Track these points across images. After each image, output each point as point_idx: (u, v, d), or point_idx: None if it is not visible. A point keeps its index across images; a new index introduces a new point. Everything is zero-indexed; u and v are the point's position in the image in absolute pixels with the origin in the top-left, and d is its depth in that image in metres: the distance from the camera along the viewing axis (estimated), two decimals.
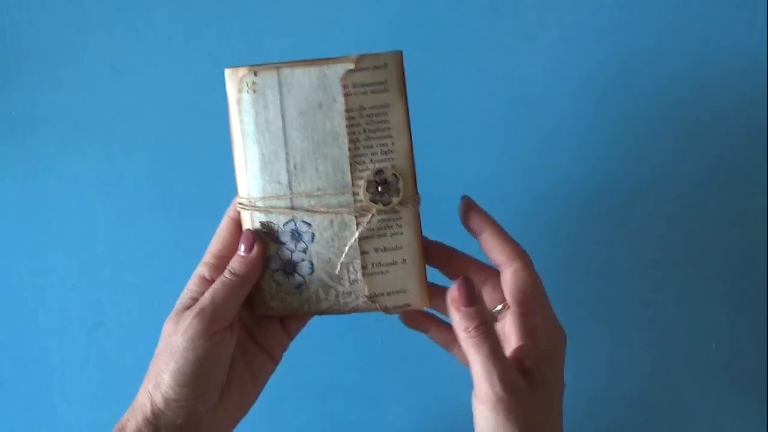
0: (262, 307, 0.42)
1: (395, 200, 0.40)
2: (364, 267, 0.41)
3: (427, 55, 0.58)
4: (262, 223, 0.41)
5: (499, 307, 0.42)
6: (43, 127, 0.58)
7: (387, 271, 0.41)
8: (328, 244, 0.41)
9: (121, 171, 0.59)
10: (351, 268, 0.41)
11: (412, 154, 0.40)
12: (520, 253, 0.40)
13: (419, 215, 0.41)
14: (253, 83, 0.40)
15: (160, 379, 0.38)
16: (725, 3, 0.58)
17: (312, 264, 0.41)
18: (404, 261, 0.41)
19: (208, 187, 0.59)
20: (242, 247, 0.40)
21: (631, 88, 0.59)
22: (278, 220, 0.41)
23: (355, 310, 0.42)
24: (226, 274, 0.40)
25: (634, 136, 0.59)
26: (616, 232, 0.60)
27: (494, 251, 0.41)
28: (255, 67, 0.40)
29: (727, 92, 0.59)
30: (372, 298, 0.41)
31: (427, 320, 0.45)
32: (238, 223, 0.42)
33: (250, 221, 0.41)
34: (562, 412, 0.39)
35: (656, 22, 0.58)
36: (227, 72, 0.40)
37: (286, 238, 0.41)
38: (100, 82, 0.58)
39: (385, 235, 0.41)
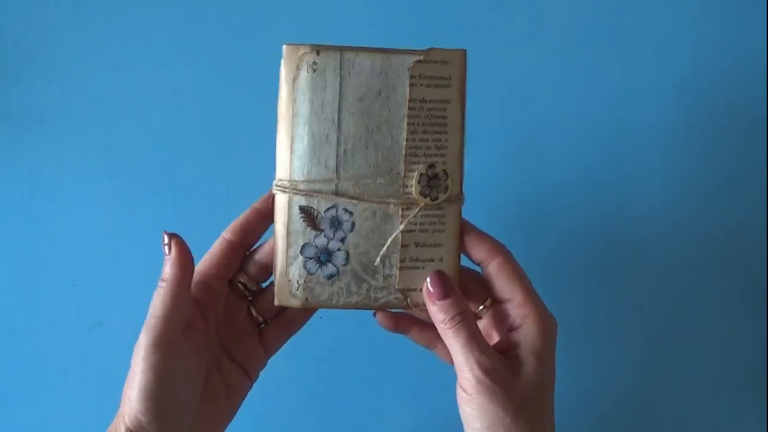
0: (283, 297, 0.40)
1: (442, 197, 0.40)
2: (401, 260, 0.40)
3: None
4: (301, 207, 0.40)
5: (481, 306, 0.42)
6: (42, 126, 0.58)
7: (423, 267, 0.40)
8: (368, 235, 0.40)
9: (121, 170, 0.59)
10: (387, 263, 0.40)
11: (463, 153, 0.40)
12: (500, 247, 0.40)
13: (461, 215, 0.41)
14: (314, 63, 0.39)
15: (127, 401, 0.37)
16: (726, 3, 0.58)
17: (348, 254, 0.40)
18: (441, 259, 0.40)
19: (209, 186, 0.59)
20: (165, 250, 0.39)
21: (631, 88, 0.59)
22: (319, 206, 0.40)
23: (385, 306, 0.41)
24: (159, 283, 0.38)
25: (635, 137, 0.59)
26: (616, 232, 0.60)
27: (474, 249, 0.41)
28: (317, 47, 0.39)
29: (727, 92, 0.59)
30: (404, 292, 0.40)
31: (406, 321, 0.44)
32: (231, 244, 0.41)
33: (286, 204, 0.40)
34: (553, 399, 0.39)
35: (657, 21, 0.58)
36: (286, 48, 0.39)
37: (325, 225, 0.40)
38: (100, 80, 0.58)
39: (427, 231, 0.40)
